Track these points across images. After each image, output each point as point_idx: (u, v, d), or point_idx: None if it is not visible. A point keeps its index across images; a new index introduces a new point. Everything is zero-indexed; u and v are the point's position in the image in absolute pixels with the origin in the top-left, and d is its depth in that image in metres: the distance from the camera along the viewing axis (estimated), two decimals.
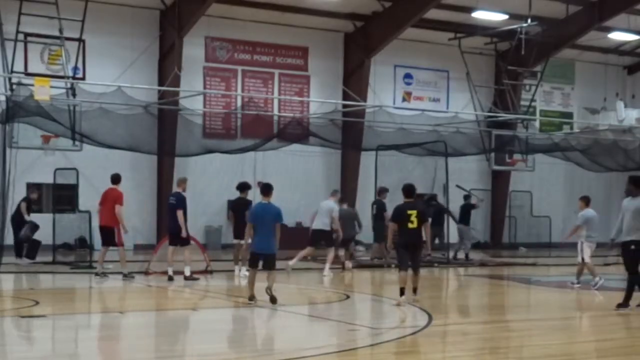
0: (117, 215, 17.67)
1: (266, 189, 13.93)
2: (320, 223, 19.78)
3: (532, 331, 11.96)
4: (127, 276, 17.73)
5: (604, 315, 13.08)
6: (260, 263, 13.87)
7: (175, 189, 18.50)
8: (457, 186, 26.86)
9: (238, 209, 18.62)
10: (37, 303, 13.59)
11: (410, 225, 13.92)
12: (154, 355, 9.94)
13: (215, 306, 14.74)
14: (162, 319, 13.20)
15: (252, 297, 13.78)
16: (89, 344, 10.73)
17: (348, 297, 15.85)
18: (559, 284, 18.46)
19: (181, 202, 17.66)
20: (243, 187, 18.92)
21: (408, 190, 14.36)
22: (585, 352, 10.49)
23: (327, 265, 19.70)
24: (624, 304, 13.53)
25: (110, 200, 17.87)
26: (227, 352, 9.91)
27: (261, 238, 13.65)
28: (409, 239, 13.99)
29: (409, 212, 13.98)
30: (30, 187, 21.95)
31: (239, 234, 18.40)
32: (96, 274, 18.07)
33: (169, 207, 17.97)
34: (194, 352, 9.89)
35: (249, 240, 14.79)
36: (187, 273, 17.44)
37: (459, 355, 10.03)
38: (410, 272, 14.04)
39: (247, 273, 18.20)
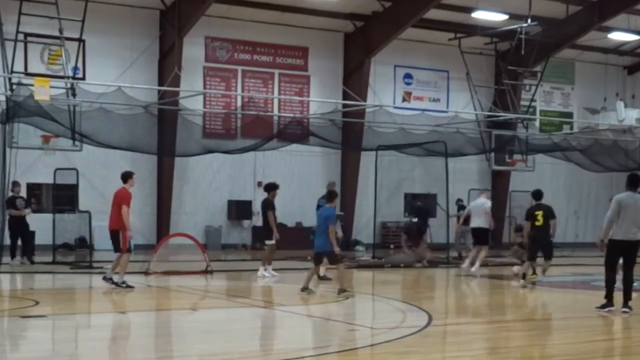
0: (123, 217, 15.96)
1: (328, 195, 15.92)
2: (478, 221, 20.39)
3: (532, 331, 11.96)
4: (120, 285, 15.86)
5: (605, 315, 13.06)
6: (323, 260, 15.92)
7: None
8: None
9: (263, 209, 18.49)
10: (37, 303, 13.58)
11: (536, 223, 17.06)
12: (154, 355, 9.93)
13: (215, 306, 14.72)
14: (162, 319, 13.19)
15: (305, 288, 15.26)
16: (89, 344, 10.71)
17: (348, 297, 15.83)
18: (559, 284, 18.47)
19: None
20: (267, 187, 18.75)
21: (534, 194, 17.62)
22: (585, 352, 10.46)
23: (477, 264, 20.04)
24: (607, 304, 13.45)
25: (116, 201, 16.23)
26: (227, 352, 9.89)
27: (317, 237, 15.38)
28: (536, 234, 17.11)
29: (536, 212, 17.16)
30: (13, 183, 21.50)
31: (264, 235, 18.56)
32: (113, 283, 16.11)
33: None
34: (194, 352, 9.87)
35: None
36: (321, 273, 17.33)
37: (459, 355, 10.02)
38: (541, 260, 17.44)
39: (265, 273, 18.25)
